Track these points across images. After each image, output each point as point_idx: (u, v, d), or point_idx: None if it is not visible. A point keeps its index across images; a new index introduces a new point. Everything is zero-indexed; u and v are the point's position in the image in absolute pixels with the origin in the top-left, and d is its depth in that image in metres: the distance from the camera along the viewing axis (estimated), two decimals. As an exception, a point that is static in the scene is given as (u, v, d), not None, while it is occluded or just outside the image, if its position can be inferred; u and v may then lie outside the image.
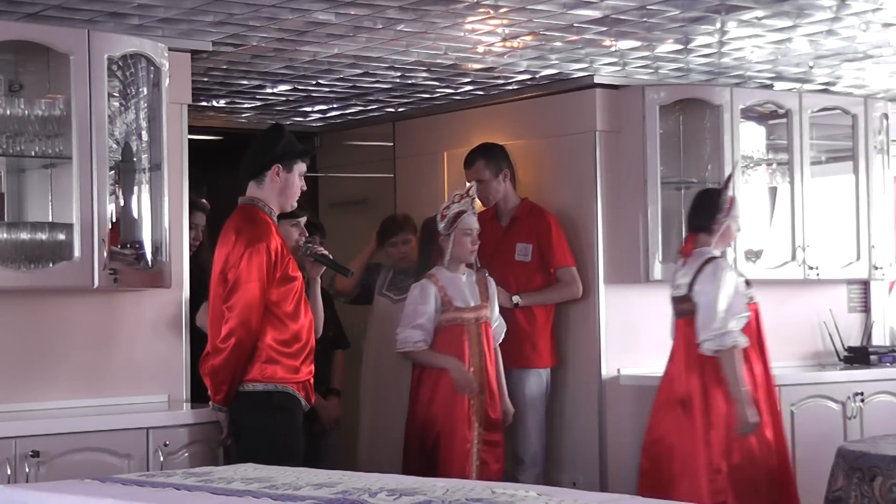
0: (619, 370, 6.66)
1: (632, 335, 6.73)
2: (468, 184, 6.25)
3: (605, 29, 5.61)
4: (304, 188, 5.18)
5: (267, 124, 7.74)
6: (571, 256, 6.62)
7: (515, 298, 6.46)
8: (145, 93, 5.38)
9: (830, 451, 5.27)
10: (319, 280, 5.42)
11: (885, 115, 7.30)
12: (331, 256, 5.39)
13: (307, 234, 5.69)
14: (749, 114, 6.93)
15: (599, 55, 6.17)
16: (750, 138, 7.00)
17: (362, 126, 8.08)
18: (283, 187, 5.08)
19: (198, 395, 5.55)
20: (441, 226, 5.90)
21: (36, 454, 4.70)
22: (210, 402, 5.07)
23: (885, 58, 6.31)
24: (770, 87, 6.95)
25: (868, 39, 5.90)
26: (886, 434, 5.79)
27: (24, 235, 5.06)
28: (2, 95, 5.12)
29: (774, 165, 7.14)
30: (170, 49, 5.44)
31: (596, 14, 5.35)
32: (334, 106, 7.52)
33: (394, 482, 3.45)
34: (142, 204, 5.41)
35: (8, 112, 5.01)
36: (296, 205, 5.19)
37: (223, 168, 7.10)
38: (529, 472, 6.44)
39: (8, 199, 5.33)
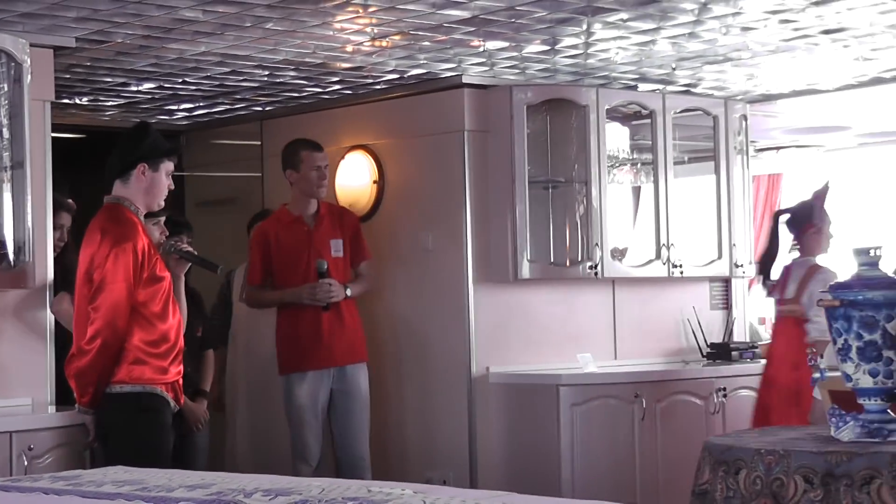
0: (488, 368, 6.71)
1: (501, 333, 6.79)
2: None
3: (473, 29, 5.66)
4: (172, 187, 5.11)
5: (132, 122, 7.62)
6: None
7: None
8: (6, 89, 5.25)
9: (695, 446, 5.37)
10: (184, 278, 5.36)
11: (745, 117, 7.48)
12: (196, 253, 5.34)
13: (167, 233, 5.61)
14: (614, 114, 7.04)
15: (468, 55, 6.21)
16: (615, 138, 7.11)
17: (229, 125, 8.00)
18: (149, 186, 5.02)
19: (63, 398, 5.44)
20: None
21: None
22: (76, 405, 4.98)
23: (744, 61, 6.48)
24: (634, 88, 7.07)
25: (728, 42, 6.05)
26: (749, 428, 5.93)
27: None
28: None
29: (639, 165, 7.27)
30: (31, 45, 5.32)
31: (465, 14, 5.38)
32: (201, 104, 7.44)
33: (268, 482, 3.42)
34: (3, 203, 5.28)
35: None
36: (163, 204, 5.12)
37: (86, 167, 6.98)
38: (368, 470, 6.44)
39: None
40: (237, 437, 7.03)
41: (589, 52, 6.19)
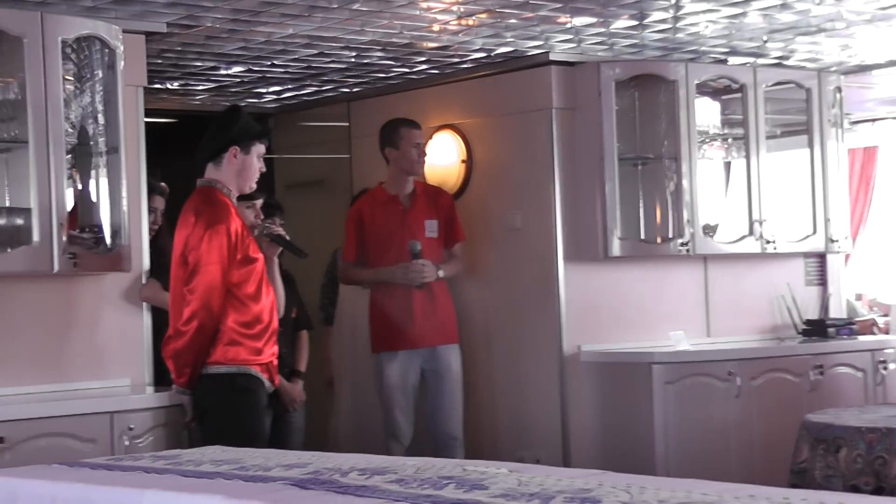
0: (579, 347, 6.69)
1: (592, 312, 6.76)
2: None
3: (560, 6, 5.62)
4: (263, 169, 5.14)
5: (221, 106, 7.70)
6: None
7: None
8: (100, 75, 5.32)
9: (791, 424, 5.32)
10: (277, 260, 5.40)
11: (839, 89, 7.35)
12: (287, 237, 5.37)
13: (262, 216, 5.66)
14: (704, 89, 6.95)
15: (555, 32, 6.17)
16: (705, 113, 7.03)
17: (317, 106, 8.03)
18: (240, 169, 5.05)
19: (160, 379, 5.52)
20: None
21: (0, 440, 4.66)
22: (173, 385, 5.05)
23: (837, 31, 6.36)
24: (724, 61, 6.99)
25: (821, 13, 5.94)
26: (849, 406, 5.84)
27: (-18, 221, 5.01)
28: (-45, 80, 5.06)
29: (730, 140, 7.18)
30: (124, 31, 5.38)
31: (553, -9, 5.35)
32: (289, 87, 7.48)
33: (364, 461, 3.45)
34: (99, 187, 5.36)
35: (-38, 97, 4.95)
36: (255, 186, 5.16)
37: (178, 151, 7.05)
38: (461, 448, 6.47)
39: (-36, 185, 5.27)
40: (340, 417, 7.07)
41: (678, 25, 6.11)
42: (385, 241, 6.45)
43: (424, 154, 6.54)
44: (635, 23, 6.02)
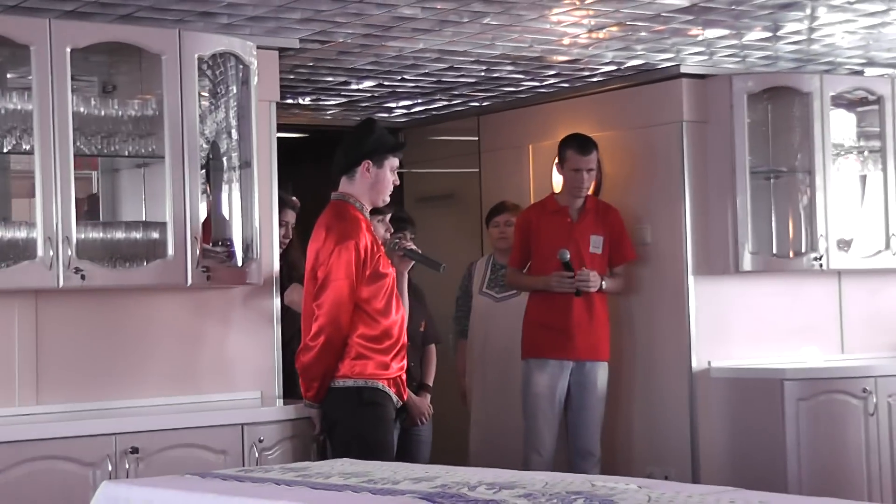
0: (709, 362, 6.60)
1: (722, 327, 6.66)
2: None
3: (692, 18, 5.56)
4: (397, 183, 5.15)
5: (352, 121, 7.79)
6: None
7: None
8: (234, 91, 5.42)
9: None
10: (407, 275, 5.42)
11: (979, 101, 7.14)
12: (420, 251, 5.38)
13: (392, 230, 5.69)
14: (839, 101, 6.82)
15: (686, 44, 6.12)
16: (840, 126, 6.89)
17: (447, 121, 8.08)
18: (374, 183, 5.07)
19: (290, 390, 5.59)
20: None
21: (135, 450, 4.76)
22: (303, 399, 5.10)
23: (979, 41, 6.19)
24: (861, 73, 6.85)
25: (962, 23, 5.79)
26: None
27: (119, 234, 5.13)
28: (96, 96, 5.19)
29: (866, 153, 7.03)
30: (258, 47, 5.47)
31: (683, 3, 5.30)
32: (419, 101, 7.53)
33: (492, 476, 3.44)
34: (232, 202, 5.45)
35: (102, 113, 5.07)
36: (388, 200, 5.17)
37: (309, 165, 7.15)
38: (598, 465, 6.44)
39: (102, 199, 5.41)
40: (472, 429, 7.07)
41: (812, 37, 6.01)
42: (549, 250, 6.45)
43: (581, 180, 6.47)
44: (769, 34, 5.93)
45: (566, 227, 6.51)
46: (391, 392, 5.04)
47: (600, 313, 6.48)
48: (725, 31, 5.85)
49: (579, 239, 6.49)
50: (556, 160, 6.64)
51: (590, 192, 6.93)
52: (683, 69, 6.57)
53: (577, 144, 6.53)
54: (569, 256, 6.35)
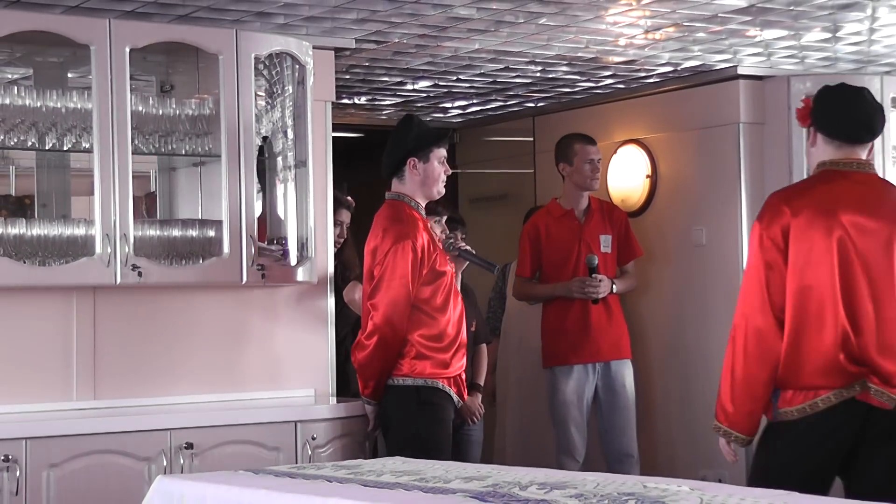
0: (764, 365, 6.53)
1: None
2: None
3: (749, 18, 5.53)
4: (448, 172, 5.13)
5: (408, 121, 7.79)
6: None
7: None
8: (290, 91, 5.45)
9: None
10: (461, 275, 5.43)
11: None
12: (474, 252, 5.38)
13: (447, 231, 5.70)
14: (899, 103, 6.76)
15: (743, 45, 6.08)
16: (900, 128, 6.81)
17: (502, 121, 8.07)
18: (423, 178, 5.06)
19: (343, 388, 5.61)
20: None
21: (190, 446, 4.80)
22: (360, 395, 5.12)
23: None
24: (921, 75, 6.78)
25: None
26: None
27: (176, 232, 5.18)
28: (154, 96, 5.25)
29: (925, 155, 6.95)
30: (314, 47, 5.50)
31: (741, 3, 5.26)
32: (474, 101, 7.53)
33: (543, 476, 3.44)
34: (287, 201, 5.48)
35: (160, 112, 5.12)
36: (443, 191, 5.14)
37: (364, 165, 7.18)
38: (636, 466, 6.41)
39: (159, 197, 5.46)
40: (507, 431, 7.08)
41: (873, 38, 5.95)
42: (562, 255, 6.46)
43: (596, 170, 6.49)
44: (828, 35, 5.88)
45: (576, 229, 6.49)
46: (451, 391, 5.05)
47: (616, 313, 6.48)
48: (784, 32, 5.81)
49: (590, 240, 6.48)
50: (559, 162, 6.54)
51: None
52: (741, 70, 6.53)
53: (583, 137, 6.54)
54: (597, 261, 6.33)
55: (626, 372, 6.48)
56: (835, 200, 4.17)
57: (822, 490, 4.11)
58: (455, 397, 5.06)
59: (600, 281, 6.35)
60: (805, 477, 4.06)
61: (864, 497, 3.55)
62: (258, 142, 5.28)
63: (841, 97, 4.34)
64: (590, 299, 6.36)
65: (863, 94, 4.35)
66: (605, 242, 6.53)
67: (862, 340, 4.09)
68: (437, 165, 5.07)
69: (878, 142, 6.45)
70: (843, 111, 4.31)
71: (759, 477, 4.16)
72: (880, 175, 4.56)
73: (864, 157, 4.30)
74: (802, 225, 4.13)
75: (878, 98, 6.43)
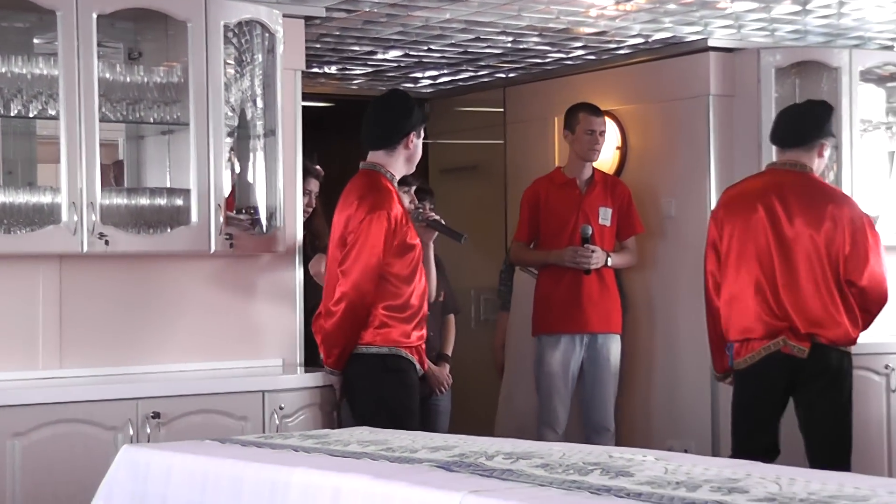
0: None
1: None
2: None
3: (720, -9, 5.53)
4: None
5: (378, 90, 7.77)
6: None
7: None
8: (260, 59, 5.42)
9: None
10: (432, 245, 5.43)
11: None
12: (443, 222, 5.39)
13: (416, 201, 5.70)
14: (868, 76, 6.77)
15: (714, 18, 6.08)
16: (869, 101, 6.84)
17: (472, 92, 8.06)
18: (411, 154, 5.11)
19: (311, 359, 5.60)
20: None
21: (157, 415, 4.79)
22: (323, 366, 5.12)
23: None
24: (891, 48, 6.79)
25: None
26: None
27: (143, 201, 5.15)
28: (122, 63, 5.20)
29: (894, 128, 6.98)
30: (284, 15, 5.46)
31: (712, -25, 5.27)
32: (445, 72, 7.51)
33: (510, 445, 3.45)
34: (256, 170, 5.46)
35: (127, 79, 5.08)
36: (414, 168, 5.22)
37: (334, 134, 7.15)
38: (612, 439, 6.44)
39: (127, 166, 5.42)
40: (515, 405, 7.03)
41: (842, 11, 5.96)
42: (559, 223, 6.45)
43: (596, 142, 6.48)
44: (798, 8, 5.89)
45: (576, 199, 6.49)
46: (414, 360, 5.07)
47: (611, 286, 6.47)
48: (754, 5, 5.81)
49: (589, 211, 6.48)
50: (565, 128, 6.58)
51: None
52: (711, 42, 6.53)
53: (589, 107, 6.55)
54: (591, 232, 6.34)
55: (612, 346, 6.49)
56: (763, 189, 5.41)
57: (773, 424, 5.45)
58: (417, 366, 5.08)
59: (592, 251, 6.34)
60: (756, 415, 5.45)
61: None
62: (227, 111, 5.25)
63: (784, 111, 5.63)
64: (581, 269, 6.36)
65: (798, 106, 5.64)
66: (605, 215, 6.52)
67: (780, 302, 5.29)
68: (419, 142, 5.13)
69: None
70: (776, 121, 5.63)
71: (733, 415, 5.59)
72: (821, 172, 5.58)
73: (804, 161, 5.42)
74: (733, 208, 5.44)
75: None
